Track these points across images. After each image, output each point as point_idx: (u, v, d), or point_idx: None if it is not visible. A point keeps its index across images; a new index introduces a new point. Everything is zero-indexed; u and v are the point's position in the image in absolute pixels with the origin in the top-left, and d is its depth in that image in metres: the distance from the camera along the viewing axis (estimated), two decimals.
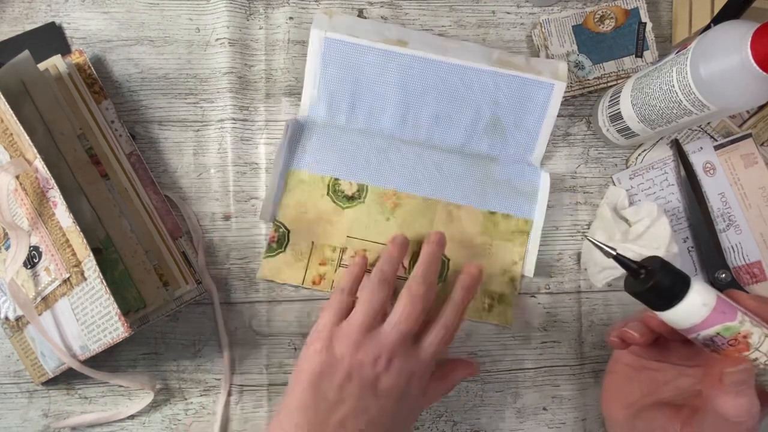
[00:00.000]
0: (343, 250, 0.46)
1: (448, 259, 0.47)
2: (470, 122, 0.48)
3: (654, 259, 0.31)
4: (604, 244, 0.33)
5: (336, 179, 0.47)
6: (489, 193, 0.47)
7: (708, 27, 0.46)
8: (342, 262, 0.46)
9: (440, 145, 0.48)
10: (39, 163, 0.39)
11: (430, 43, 0.47)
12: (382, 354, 0.35)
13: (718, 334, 0.29)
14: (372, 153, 0.47)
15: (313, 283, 0.46)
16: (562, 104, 0.50)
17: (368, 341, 0.36)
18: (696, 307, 0.29)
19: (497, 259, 0.47)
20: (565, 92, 0.48)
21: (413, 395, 0.36)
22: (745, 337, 0.29)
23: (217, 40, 0.48)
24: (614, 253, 0.32)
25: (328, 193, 0.47)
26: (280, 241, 0.46)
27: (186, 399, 0.45)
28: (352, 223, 0.47)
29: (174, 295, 0.43)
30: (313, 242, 0.46)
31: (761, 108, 0.50)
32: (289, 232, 0.46)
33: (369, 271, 0.44)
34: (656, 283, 0.30)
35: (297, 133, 0.47)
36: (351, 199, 0.47)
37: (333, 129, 0.47)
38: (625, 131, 0.46)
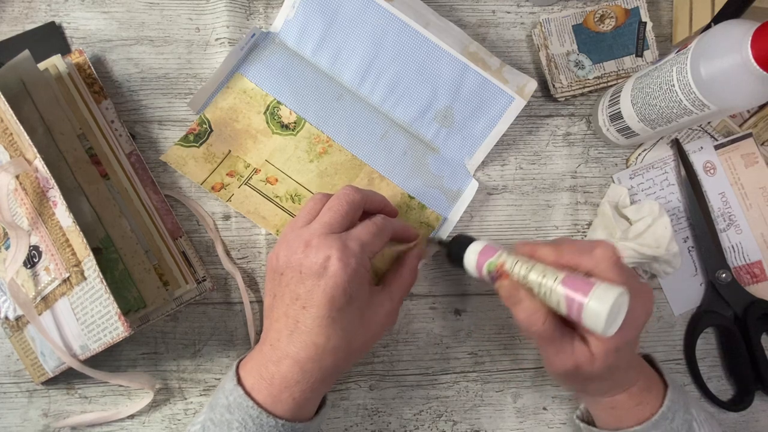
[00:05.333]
0: (256, 171, 0.46)
1: None
2: (425, 103, 0.47)
3: (457, 236, 0.42)
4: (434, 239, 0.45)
5: (279, 103, 0.47)
6: (416, 178, 0.47)
7: (708, 26, 0.46)
8: (249, 182, 0.46)
9: (390, 114, 0.48)
10: (39, 163, 0.39)
11: (415, 8, 0.46)
12: (303, 241, 0.36)
13: (488, 271, 0.38)
14: (325, 95, 0.47)
15: (213, 188, 0.46)
16: (561, 104, 0.50)
17: (293, 236, 0.37)
18: (471, 256, 0.39)
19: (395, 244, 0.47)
20: (565, 92, 0.48)
21: (339, 275, 0.35)
22: (502, 265, 0.36)
23: (217, 39, 0.48)
24: (430, 236, 0.45)
25: (265, 113, 0.47)
26: (198, 136, 0.46)
27: (186, 399, 0.45)
28: (276, 150, 0.46)
29: (174, 294, 0.43)
30: (230, 151, 0.46)
31: (762, 107, 0.50)
32: (211, 131, 0.46)
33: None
34: (450, 250, 0.41)
35: (260, 43, 0.47)
36: (285, 127, 0.47)
37: (296, 56, 0.47)
38: (625, 131, 0.46)
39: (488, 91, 0.46)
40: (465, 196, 0.47)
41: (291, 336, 0.36)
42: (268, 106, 0.47)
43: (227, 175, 0.46)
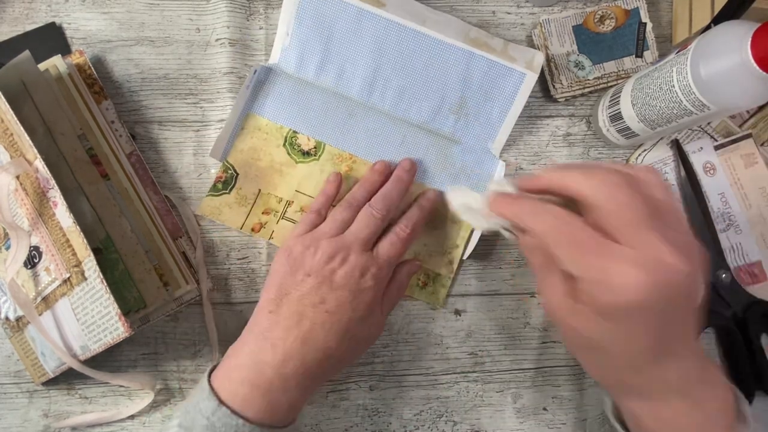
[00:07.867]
0: (289, 203, 0.46)
1: None
2: (437, 100, 0.47)
3: None
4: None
5: (295, 132, 0.47)
6: (444, 173, 0.48)
7: (708, 27, 0.46)
8: (286, 215, 0.46)
9: (404, 117, 0.48)
10: (39, 163, 0.39)
11: (408, 9, 0.46)
12: (339, 252, 0.38)
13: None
14: (337, 114, 0.47)
15: (252, 230, 0.46)
16: (561, 104, 0.50)
17: (328, 244, 0.39)
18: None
19: (441, 239, 0.47)
20: (566, 92, 0.48)
21: (369, 291, 0.38)
22: None
23: (217, 40, 0.48)
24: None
25: (284, 145, 0.47)
26: (226, 183, 0.46)
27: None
28: (303, 179, 0.47)
29: (174, 295, 0.43)
30: (260, 190, 0.46)
31: (761, 108, 0.50)
32: (237, 175, 0.46)
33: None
34: None
35: (263, 78, 0.47)
36: (306, 154, 0.47)
37: (300, 82, 0.47)
38: (626, 131, 0.46)
39: (498, 72, 0.46)
40: (495, 180, 0.47)
41: (304, 337, 0.36)
42: (286, 137, 0.47)
43: (263, 213, 0.46)
